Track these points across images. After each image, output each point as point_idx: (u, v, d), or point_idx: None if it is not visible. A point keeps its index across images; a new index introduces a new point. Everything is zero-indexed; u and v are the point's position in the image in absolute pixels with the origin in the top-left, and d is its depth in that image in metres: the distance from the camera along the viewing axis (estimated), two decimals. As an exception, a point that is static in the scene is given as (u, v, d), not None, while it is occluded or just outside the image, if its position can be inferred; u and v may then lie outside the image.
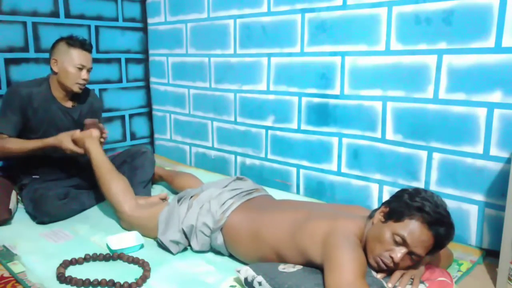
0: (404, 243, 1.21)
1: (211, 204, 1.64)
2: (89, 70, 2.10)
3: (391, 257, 1.22)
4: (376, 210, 1.35)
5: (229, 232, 1.57)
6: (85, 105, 2.22)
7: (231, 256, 1.63)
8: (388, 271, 1.26)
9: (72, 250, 1.64)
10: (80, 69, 2.05)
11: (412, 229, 1.21)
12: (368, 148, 2.04)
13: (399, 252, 1.21)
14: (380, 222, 1.28)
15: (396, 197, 1.31)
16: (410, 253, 1.22)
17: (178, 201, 1.75)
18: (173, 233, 1.64)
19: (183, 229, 1.64)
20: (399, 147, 1.93)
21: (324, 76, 2.14)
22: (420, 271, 1.28)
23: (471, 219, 1.75)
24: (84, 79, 2.07)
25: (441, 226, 1.21)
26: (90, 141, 1.96)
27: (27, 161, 2.09)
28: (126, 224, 1.85)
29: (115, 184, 1.88)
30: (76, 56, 2.04)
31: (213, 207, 1.63)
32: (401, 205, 1.26)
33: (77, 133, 1.98)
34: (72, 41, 2.05)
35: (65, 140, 1.96)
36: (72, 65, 2.03)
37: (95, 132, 2.00)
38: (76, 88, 2.08)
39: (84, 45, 2.07)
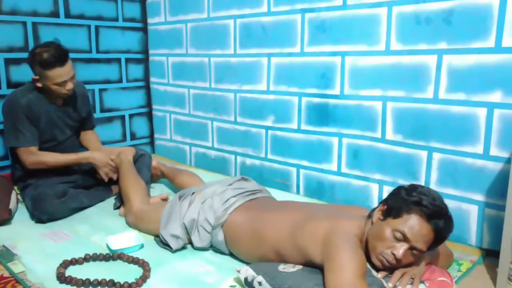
0: (404, 238, 1.21)
1: (213, 200, 1.66)
2: (72, 78, 2.01)
3: (393, 254, 1.21)
4: (374, 209, 1.35)
5: (229, 229, 1.58)
6: (75, 96, 2.20)
7: (231, 254, 1.63)
8: (390, 270, 1.26)
9: (72, 250, 1.64)
10: (63, 83, 1.99)
11: (412, 224, 1.21)
12: (368, 148, 2.04)
13: (400, 248, 1.21)
14: (379, 220, 1.28)
15: (393, 194, 1.31)
16: (411, 249, 1.22)
17: (180, 198, 1.76)
18: (174, 228, 1.65)
19: (184, 224, 1.65)
20: (399, 147, 1.93)
21: (324, 76, 2.14)
22: (421, 271, 1.28)
23: (471, 219, 1.75)
24: (69, 89, 2.02)
25: (440, 218, 1.21)
26: (125, 155, 2.18)
27: None
28: (132, 218, 1.88)
29: (135, 185, 2.02)
30: (54, 76, 1.95)
31: (215, 204, 1.64)
32: (398, 201, 1.26)
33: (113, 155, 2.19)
34: (44, 62, 1.91)
35: (102, 159, 2.15)
36: (53, 83, 1.97)
37: (131, 152, 2.23)
38: (65, 96, 2.07)
39: (58, 61, 1.93)
